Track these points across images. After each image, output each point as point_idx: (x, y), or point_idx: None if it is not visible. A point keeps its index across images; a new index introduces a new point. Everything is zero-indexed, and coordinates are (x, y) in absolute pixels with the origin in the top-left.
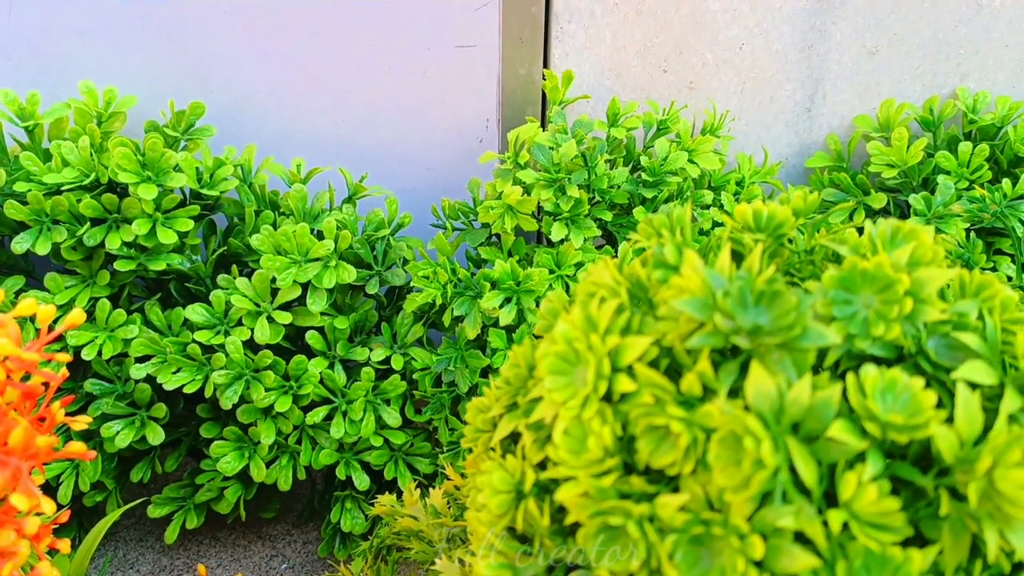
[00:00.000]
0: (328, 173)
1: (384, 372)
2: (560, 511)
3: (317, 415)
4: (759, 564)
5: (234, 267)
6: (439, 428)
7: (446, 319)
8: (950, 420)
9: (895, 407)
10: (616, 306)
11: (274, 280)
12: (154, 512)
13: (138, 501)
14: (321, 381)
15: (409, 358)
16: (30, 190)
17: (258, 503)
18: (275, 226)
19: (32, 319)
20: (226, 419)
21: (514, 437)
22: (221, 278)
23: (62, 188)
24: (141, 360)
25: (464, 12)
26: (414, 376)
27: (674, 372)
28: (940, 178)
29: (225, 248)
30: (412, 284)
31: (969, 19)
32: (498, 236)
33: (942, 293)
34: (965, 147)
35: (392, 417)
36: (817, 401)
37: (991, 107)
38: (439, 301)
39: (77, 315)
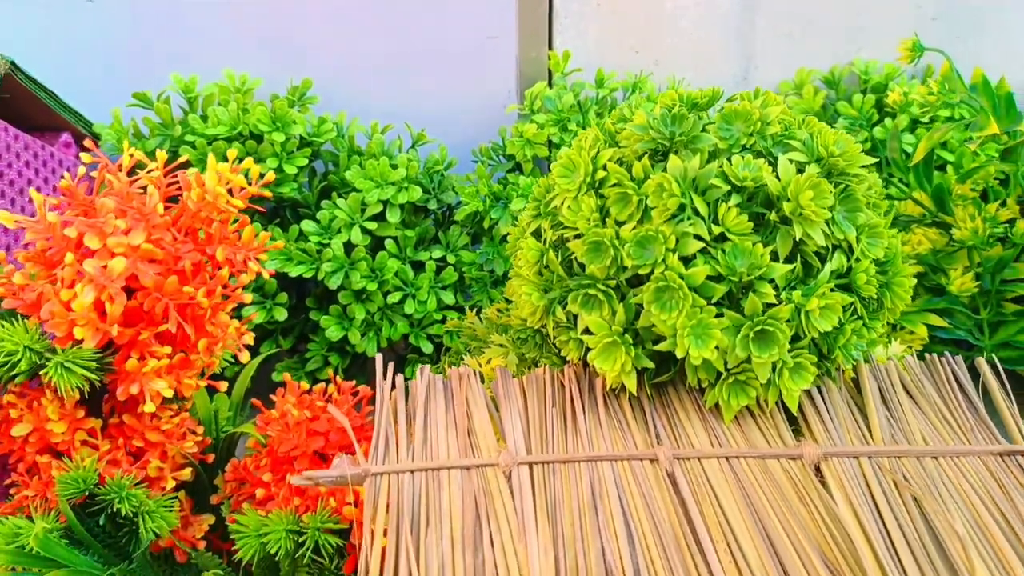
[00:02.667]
0: (396, 129)
1: (441, 267)
2: (566, 261)
3: (395, 297)
4: (674, 250)
5: (333, 194)
6: (483, 304)
7: (485, 223)
8: (778, 178)
9: (747, 171)
10: (594, 137)
11: (363, 204)
12: (276, 376)
13: (262, 356)
14: (396, 274)
15: (459, 257)
16: (195, 140)
17: (348, 376)
18: (361, 165)
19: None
20: (327, 307)
21: (537, 236)
22: (324, 203)
23: (217, 137)
24: (272, 259)
25: (491, 12)
26: (463, 270)
27: (629, 171)
28: (840, 120)
29: (325, 183)
30: (461, 201)
31: (864, 9)
32: (520, 166)
33: (788, 127)
34: (858, 98)
35: (448, 298)
36: (705, 170)
37: (880, 70)
38: (480, 209)
39: (271, 175)
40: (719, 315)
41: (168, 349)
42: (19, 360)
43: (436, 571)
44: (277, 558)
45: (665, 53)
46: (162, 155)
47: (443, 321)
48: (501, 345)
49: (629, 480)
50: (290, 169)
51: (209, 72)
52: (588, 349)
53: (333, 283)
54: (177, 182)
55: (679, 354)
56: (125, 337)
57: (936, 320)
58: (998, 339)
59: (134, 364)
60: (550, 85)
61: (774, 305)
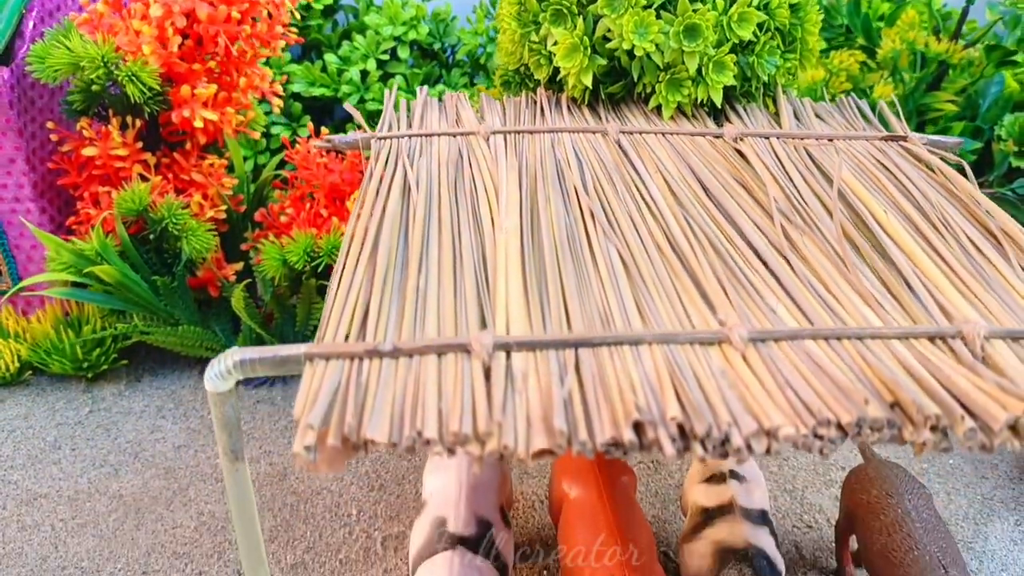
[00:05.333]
0: None
1: None
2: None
3: None
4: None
5: (353, 34)
6: None
7: (482, 60)
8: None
9: None
10: None
11: (378, 41)
12: None
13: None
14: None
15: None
16: None
17: None
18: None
19: None
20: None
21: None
22: (344, 43)
23: None
24: (297, 83)
25: None
26: None
27: None
28: None
29: (345, 28)
30: (461, 43)
31: None
32: None
33: None
34: None
35: None
36: None
37: None
38: (476, 47)
39: None
40: (658, 17)
41: (215, 87)
42: (98, 67)
43: (425, 176)
44: (299, 268)
45: None
46: None
47: None
48: None
49: (583, 142)
50: (317, 6)
51: None
52: (557, 70)
53: (352, 101)
54: None
55: (625, 47)
56: (181, 68)
57: None
58: None
59: (187, 91)
60: None
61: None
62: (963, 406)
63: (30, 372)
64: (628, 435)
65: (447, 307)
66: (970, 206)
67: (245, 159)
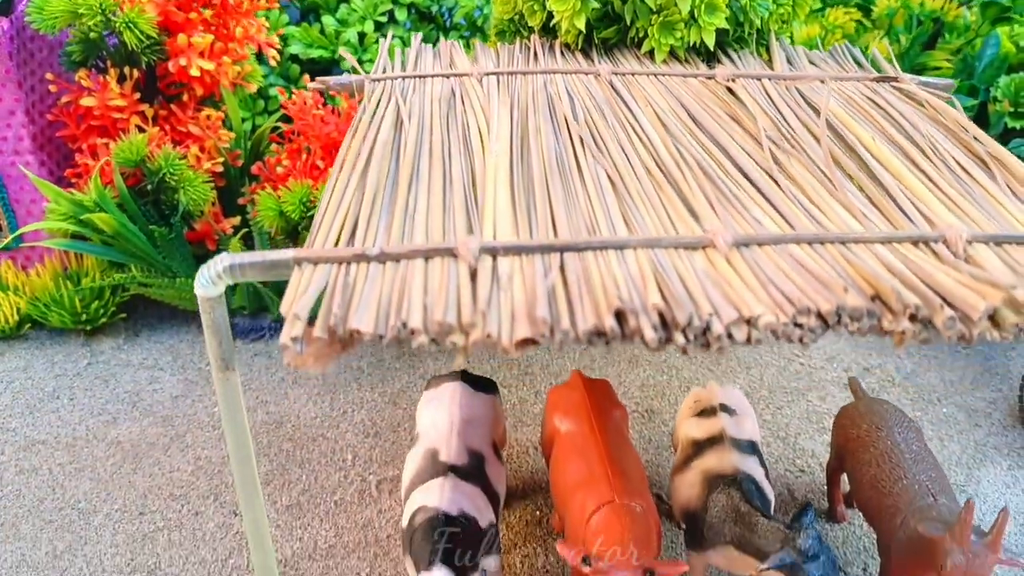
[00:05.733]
0: None
1: None
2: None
3: None
4: None
5: None
6: None
7: (479, 22)
8: None
9: None
10: None
11: (375, 6)
12: None
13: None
14: None
15: None
16: None
17: None
18: None
19: None
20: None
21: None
22: (342, 6)
23: None
24: (295, 44)
25: None
26: None
27: None
28: None
29: None
30: (458, 5)
31: None
32: None
33: None
34: None
35: None
36: None
37: None
38: (473, 8)
39: None
40: None
41: (211, 36)
42: (96, 14)
43: (417, 110)
44: (295, 219)
45: None
46: None
47: None
48: None
49: (575, 82)
50: None
51: None
52: (551, 16)
53: (346, 64)
54: None
55: None
56: (178, 17)
57: None
58: None
59: (184, 40)
60: None
61: None
62: (942, 298)
63: (29, 325)
64: (610, 322)
65: (435, 220)
66: (959, 134)
67: (243, 120)
